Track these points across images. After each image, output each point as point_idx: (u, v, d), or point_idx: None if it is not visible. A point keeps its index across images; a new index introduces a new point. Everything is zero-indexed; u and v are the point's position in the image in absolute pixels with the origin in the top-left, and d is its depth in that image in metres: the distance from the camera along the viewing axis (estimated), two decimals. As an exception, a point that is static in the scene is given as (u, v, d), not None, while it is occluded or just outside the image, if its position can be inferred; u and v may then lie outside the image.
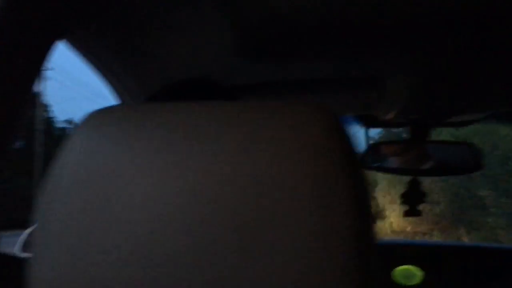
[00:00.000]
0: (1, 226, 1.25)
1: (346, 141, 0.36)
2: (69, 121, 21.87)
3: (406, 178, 1.31)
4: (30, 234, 1.34)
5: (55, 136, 19.01)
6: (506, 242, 6.40)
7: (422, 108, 1.14)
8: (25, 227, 1.47)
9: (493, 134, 6.59)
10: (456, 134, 4.40)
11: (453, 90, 1.01)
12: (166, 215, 0.32)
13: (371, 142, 1.32)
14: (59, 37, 0.55)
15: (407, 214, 1.32)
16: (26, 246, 1.35)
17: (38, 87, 0.82)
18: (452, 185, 7.70)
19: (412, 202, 1.32)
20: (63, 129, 21.44)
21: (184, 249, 0.32)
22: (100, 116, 0.36)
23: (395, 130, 2.98)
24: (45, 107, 20.13)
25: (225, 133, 0.34)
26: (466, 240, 7.35)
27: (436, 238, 7.81)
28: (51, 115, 21.87)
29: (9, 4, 0.46)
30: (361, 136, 1.40)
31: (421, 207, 1.32)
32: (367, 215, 0.36)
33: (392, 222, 9.42)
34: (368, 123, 1.33)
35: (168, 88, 0.69)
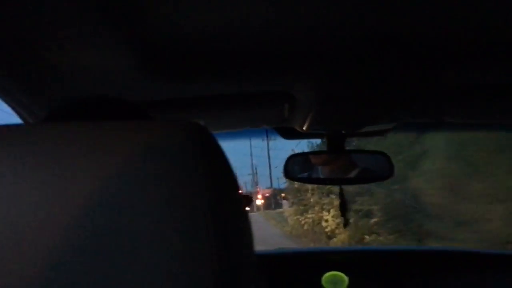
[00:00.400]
0: None
1: (211, 161, 0.35)
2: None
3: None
4: None
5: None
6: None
7: (333, 119, 1.17)
8: None
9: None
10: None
11: (360, 102, 1.05)
12: (15, 241, 0.31)
13: (290, 153, 1.34)
14: None
15: (345, 225, 1.37)
16: None
17: None
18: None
19: (344, 212, 1.36)
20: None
21: (34, 276, 0.30)
22: None
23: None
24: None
25: (84, 155, 0.33)
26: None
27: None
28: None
29: None
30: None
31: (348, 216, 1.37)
32: (232, 234, 0.36)
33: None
34: (287, 135, 1.35)
35: (69, 106, 0.65)
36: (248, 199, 1.57)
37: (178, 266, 0.31)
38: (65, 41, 0.74)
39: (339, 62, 0.88)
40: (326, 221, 9.15)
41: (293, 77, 0.96)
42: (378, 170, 1.31)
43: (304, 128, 1.23)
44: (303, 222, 11.30)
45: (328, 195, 9.22)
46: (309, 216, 10.75)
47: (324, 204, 9.64)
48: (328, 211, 9.17)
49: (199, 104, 1.06)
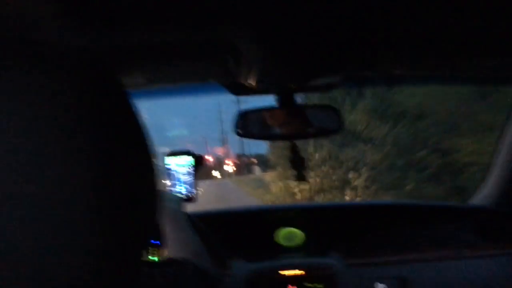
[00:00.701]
0: None
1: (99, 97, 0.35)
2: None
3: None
4: None
5: None
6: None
7: (279, 71, 1.14)
8: None
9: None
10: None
11: (306, 52, 1.03)
12: None
13: (240, 110, 1.32)
14: None
15: (297, 178, 1.36)
16: None
17: None
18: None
19: (297, 167, 1.35)
20: None
21: None
22: None
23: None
24: None
25: None
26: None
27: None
28: None
29: None
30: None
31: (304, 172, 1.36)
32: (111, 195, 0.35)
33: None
34: (236, 91, 1.32)
35: None
36: (199, 159, 1.54)
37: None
38: None
39: (281, 9, 0.85)
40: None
41: (233, 25, 0.92)
42: (329, 124, 1.30)
43: (252, 83, 1.20)
44: (296, 189, 9.79)
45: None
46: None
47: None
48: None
49: (134, 54, 1.01)
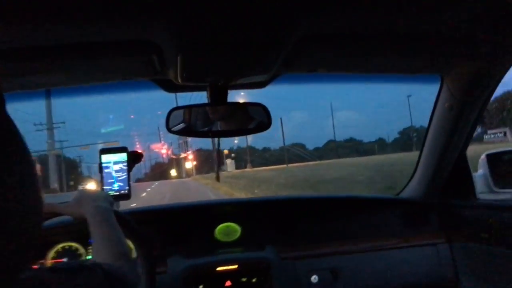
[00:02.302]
0: None
1: None
2: None
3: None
4: None
5: None
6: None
7: (202, 69, 1.16)
8: None
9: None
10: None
11: (226, 51, 1.05)
12: None
13: (172, 107, 1.32)
14: None
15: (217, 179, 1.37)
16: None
17: None
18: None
19: (218, 168, 1.36)
20: None
21: None
22: None
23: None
24: None
25: None
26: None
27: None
28: None
29: None
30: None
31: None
32: None
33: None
34: (167, 87, 1.33)
35: None
36: (136, 156, 1.52)
37: None
38: None
39: (198, 7, 0.87)
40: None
41: (154, 24, 0.93)
42: (256, 122, 1.33)
43: (180, 81, 1.21)
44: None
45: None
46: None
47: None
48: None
49: (59, 52, 1.00)
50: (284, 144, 48.26)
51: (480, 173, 1.73)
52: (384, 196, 2.02)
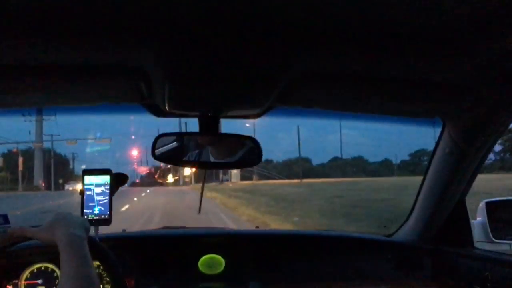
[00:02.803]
0: None
1: None
2: None
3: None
4: None
5: None
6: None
7: (190, 100, 1.11)
8: None
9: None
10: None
11: (216, 84, 1.00)
12: None
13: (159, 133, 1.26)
14: None
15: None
16: None
17: None
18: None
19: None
20: None
21: None
22: None
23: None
24: None
25: None
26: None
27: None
28: None
29: None
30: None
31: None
32: None
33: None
34: (155, 112, 1.27)
35: None
36: (121, 178, 1.47)
37: None
38: None
39: (189, 38, 0.82)
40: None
41: (142, 51, 0.88)
42: (249, 155, 1.27)
43: (167, 109, 1.16)
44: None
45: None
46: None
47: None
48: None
49: (46, 72, 0.95)
50: (299, 154, 45.21)
51: (478, 221, 1.66)
52: (376, 237, 1.95)
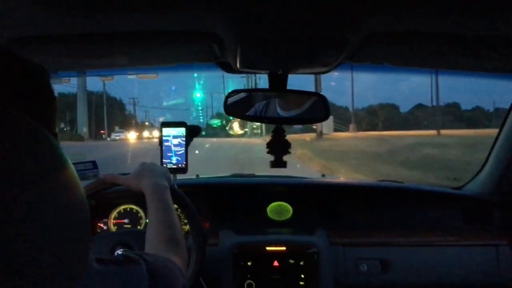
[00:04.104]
0: None
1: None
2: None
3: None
4: None
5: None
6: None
7: (262, 60, 1.15)
8: None
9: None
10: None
11: (287, 44, 1.02)
12: None
13: (232, 89, 1.32)
14: None
15: (273, 165, 1.36)
16: None
17: None
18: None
19: (277, 152, 1.35)
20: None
21: None
22: None
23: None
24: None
25: None
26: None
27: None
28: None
29: None
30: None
31: (286, 158, 1.35)
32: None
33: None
34: (227, 69, 1.32)
35: None
36: (194, 130, 1.56)
37: None
38: None
39: (258, 3, 0.85)
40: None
41: (215, 16, 0.92)
42: (316, 111, 1.30)
43: (239, 68, 1.21)
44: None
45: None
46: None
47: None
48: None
49: (122, 39, 1.03)
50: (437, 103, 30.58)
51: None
52: (445, 190, 1.93)
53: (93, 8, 0.86)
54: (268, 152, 1.33)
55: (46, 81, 0.64)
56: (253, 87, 1.56)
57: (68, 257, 0.45)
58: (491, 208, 1.73)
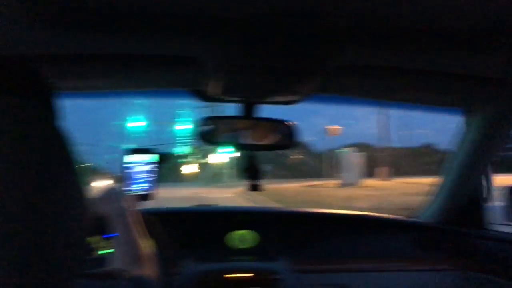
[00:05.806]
0: None
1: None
2: None
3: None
4: None
5: None
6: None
7: (239, 88, 1.21)
8: None
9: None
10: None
11: (264, 73, 1.10)
12: None
13: (205, 116, 1.37)
14: None
15: (253, 189, 1.41)
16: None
17: None
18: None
19: (252, 177, 1.41)
20: None
21: None
22: None
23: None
24: None
25: None
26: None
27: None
28: None
29: None
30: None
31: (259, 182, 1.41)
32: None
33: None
34: (204, 98, 1.37)
35: None
36: (163, 157, 1.57)
37: None
38: None
39: (244, 33, 0.92)
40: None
41: (200, 43, 0.98)
42: (284, 139, 1.37)
43: (214, 94, 1.27)
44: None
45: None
46: None
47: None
48: None
49: (103, 61, 1.07)
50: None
51: (500, 204, 1.74)
52: (400, 218, 2.04)
53: (67, 27, 0.89)
54: (246, 178, 1.39)
55: None
56: (220, 116, 1.61)
57: (68, 254, 0.46)
58: (442, 235, 1.85)
